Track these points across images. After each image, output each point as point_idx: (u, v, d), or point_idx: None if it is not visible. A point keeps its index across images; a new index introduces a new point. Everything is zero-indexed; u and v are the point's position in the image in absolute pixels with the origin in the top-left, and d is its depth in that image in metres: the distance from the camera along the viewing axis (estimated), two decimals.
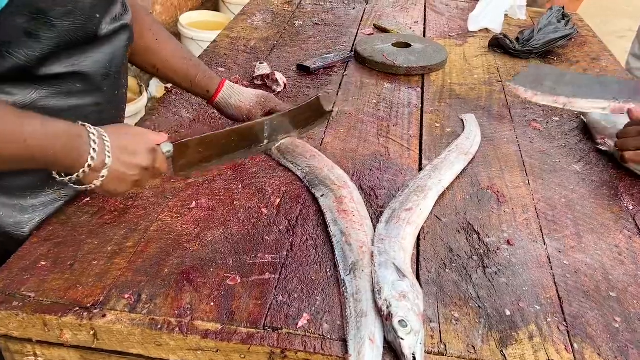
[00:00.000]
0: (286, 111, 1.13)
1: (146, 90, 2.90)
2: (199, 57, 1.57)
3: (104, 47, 0.90)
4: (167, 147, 0.89)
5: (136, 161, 0.83)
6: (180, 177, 1.03)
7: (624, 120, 1.16)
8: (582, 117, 1.32)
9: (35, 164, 0.76)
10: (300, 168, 1.08)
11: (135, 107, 2.63)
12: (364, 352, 0.71)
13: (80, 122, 0.79)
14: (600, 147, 1.19)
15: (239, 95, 1.16)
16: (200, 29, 3.42)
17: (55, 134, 0.75)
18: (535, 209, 1.02)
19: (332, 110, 1.27)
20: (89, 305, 0.77)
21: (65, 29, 0.82)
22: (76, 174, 0.78)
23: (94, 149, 0.78)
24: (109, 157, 0.79)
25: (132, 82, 2.95)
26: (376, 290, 0.77)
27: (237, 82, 1.39)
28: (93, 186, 0.81)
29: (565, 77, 1.43)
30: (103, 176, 0.80)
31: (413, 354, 0.69)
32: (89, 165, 0.78)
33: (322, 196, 1.00)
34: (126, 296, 0.78)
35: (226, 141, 1.03)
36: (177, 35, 3.56)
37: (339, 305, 0.79)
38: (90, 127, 0.79)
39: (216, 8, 4.07)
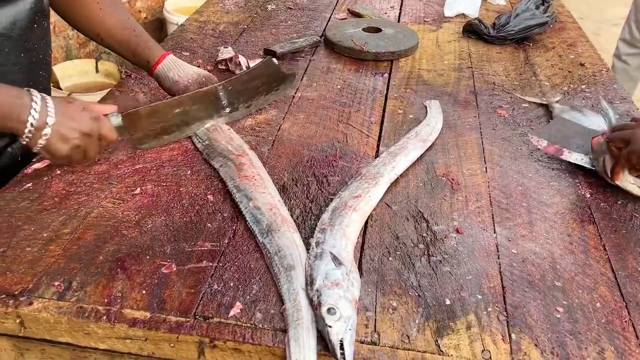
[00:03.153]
0: (236, 75, 1.10)
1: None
2: (164, 40, 1.55)
3: (4, 9, 0.93)
4: (116, 118, 0.93)
5: (77, 125, 0.88)
6: (142, 150, 1.03)
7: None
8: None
9: None
10: (200, 140, 1.08)
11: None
12: (299, 300, 0.73)
13: (26, 89, 0.87)
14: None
15: (179, 69, 1.15)
16: (186, 14, 3.37)
17: None
18: (490, 196, 1.00)
19: (295, 74, 1.23)
20: (16, 292, 0.75)
21: None
22: (25, 133, 0.85)
23: (34, 108, 0.85)
24: (50, 116, 0.86)
25: (112, 67, 2.92)
26: (308, 282, 0.75)
27: (199, 66, 1.37)
28: (40, 145, 0.87)
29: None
30: (46, 134, 0.86)
31: (341, 341, 0.67)
32: (31, 124, 0.85)
33: (220, 166, 1.00)
34: (56, 284, 0.76)
35: (180, 109, 1.01)
36: (163, 21, 3.52)
37: (275, 294, 0.77)
38: (34, 92, 0.87)
39: None
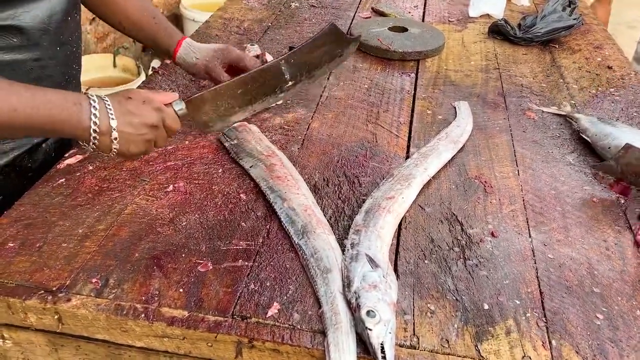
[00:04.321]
0: (300, 46, 1.06)
1: (144, 71, 2.87)
2: (190, 36, 1.54)
3: (41, 2, 0.92)
4: (179, 105, 0.90)
5: (142, 120, 0.84)
6: (209, 133, 1.02)
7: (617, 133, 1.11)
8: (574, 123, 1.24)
9: (34, 132, 0.83)
10: (228, 139, 1.08)
11: (131, 87, 2.60)
12: (337, 303, 0.72)
13: (84, 91, 0.86)
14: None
15: (195, 52, 1.14)
16: (203, 10, 3.37)
17: (47, 101, 0.78)
18: (523, 200, 0.98)
19: (359, 36, 1.17)
20: (54, 288, 0.75)
21: None
22: (91, 140, 0.81)
23: (94, 114, 0.80)
24: (112, 119, 0.82)
25: (130, 62, 2.93)
26: (345, 284, 0.75)
27: None
28: (115, 150, 0.83)
29: None
30: (116, 138, 0.82)
31: (381, 344, 0.67)
32: (95, 130, 0.80)
33: (251, 167, 0.99)
34: (93, 280, 0.76)
35: (243, 89, 0.98)
36: (179, 17, 3.52)
37: (312, 295, 0.76)
38: (91, 94, 0.82)
39: None
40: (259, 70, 1.01)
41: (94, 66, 2.87)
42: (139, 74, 2.78)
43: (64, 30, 0.99)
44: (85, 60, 2.86)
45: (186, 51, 1.14)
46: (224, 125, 0.99)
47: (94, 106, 0.81)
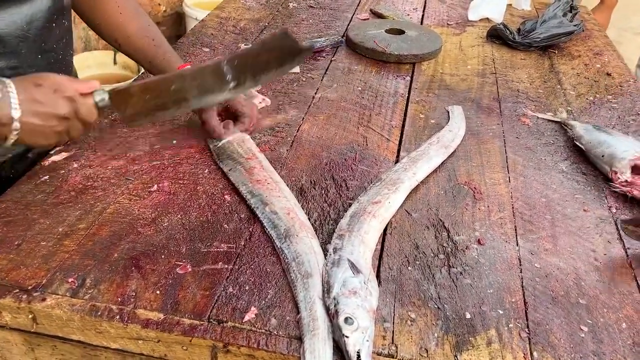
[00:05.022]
0: (246, 49, 1.00)
1: None
2: (185, 35, 1.53)
3: (21, 8, 0.87)
4: (100, 96, 0.84)
5: (51, 110, 0.79)
6: (133, 127, 0.96)
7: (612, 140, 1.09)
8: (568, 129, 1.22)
9: None
10: (212, 140, 1.06)
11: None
12: (315, 309, 0.71)
13: None
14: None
15: None
16: (206, 9, 3.37)
17: None
18: (513, 207, 0.97)
19: (310, 47, 1.12)
20: (29, 287, 0.74)
21: None
22: None
23: None
24: (14, 108, 0.76)
25: (130, 59, 2.92)
26: (325, 289, 0.74)
27: None
28: (12, 140, 0.78)
29: None
30: (16, 129, 0.77)
31: (358, 352, 0.66)
32: None
33: (230, 170, 0.97)
34: (70, 280, 0.75)
35: (177, 86, 0.92)
36: (182, 15, 3.51)
37: (291, 300, 0.75)
38: None
39: None
40: (197, 69, 0.96)
41: (95, 63, 2.88)
42: (139, 71, 2.77)
43: (47, 38, 0.94)
44: (86, 56, 2.87)
45: None
46: (151, 120, 0.94)
47: None
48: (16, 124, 0.76)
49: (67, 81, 0.82)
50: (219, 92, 0.95)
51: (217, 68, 0.94)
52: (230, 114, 1.09)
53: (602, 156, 1.07)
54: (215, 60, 0.96)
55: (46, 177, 0.94)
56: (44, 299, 0.72)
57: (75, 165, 0.98)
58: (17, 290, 0.73)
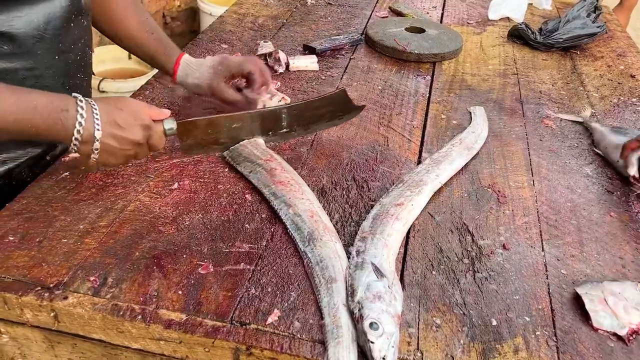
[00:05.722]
0: (307, 101, 1.08)
1: None
2: (202, 32, 1.52)
3: (37, 7, 0.85)
4: (170, 124, 0.89)
5: (128, 136, 0.83)
6: (187, 155, 1.00)
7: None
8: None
9: (16, 136, 0.79)
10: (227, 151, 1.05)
11: (145, 80, 2.59)
12: (339, 316, 0.70)
13: (74, 94, 0.80)
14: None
15: (194, 72, 1.08)
16: (220, 4, 3.36)
17: (33, 107, 0.76)
18: (537, 212, 0.95)
19: (364, 106, 1.17)
20: (51, 285, 0.73)
21: None
22: (71, 147, 0.80)
23: (80, 122, 0.78)
24: (97, 129, 0.80)
25: None
26: (348, 293, 0.72)
27: None
28: (94, 159, 0.82)
29: None
30: (97, 149, 0.81)
31: (383, 358, 0.64)
32: (77, 139, 0.79)
33: (250, 172, 0.96)
34: (91, 278, 0.75)
35: (239, 124, 0.99)
36: (196, 10, 3.51)
37: (314, 303, 0.74)
38: (81, 100, 0.79)
39: None
40: (259, 112, 1.02)
41: (110, 57, 2.87)
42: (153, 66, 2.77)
43: (64, 38, 0.92)
44: (101, 51, 2.87)
45: (185, 72, 1.09)
46: (204, 152, 1.00)
47: (80, 114, 0.78)
48: (97, 144, 0.81)
49: (145, 108, 0.86)
50: (272, 135, 1.04)
51: (277, 115, 1.03)
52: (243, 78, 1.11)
53: (617, 161, 1.06)
54: (276, 107, 1.04)
55: (66, 174, 0.93)
56: (65, 297, 0.72)
57: None
58: (39, 288, 0.73)
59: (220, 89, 1.07)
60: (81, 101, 0.79)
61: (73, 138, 0.79)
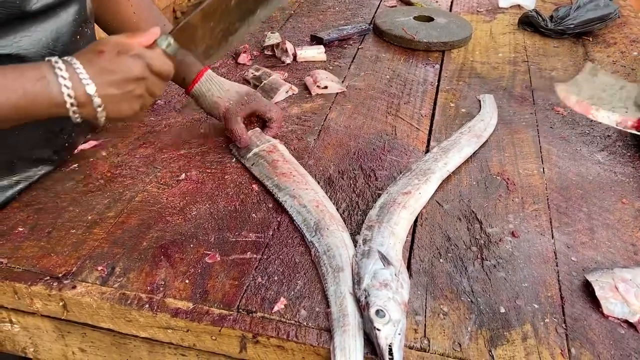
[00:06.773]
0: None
1: None
2: None
3: (45, 24, 0.80)
4: (165, 41, 0.77)
5: (124, 75, 0.73)
6: (212, 64, 0.88)
7: None
8: None
9: (11, 123, 0.72)
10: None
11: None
12: (346, 304, 0.69)
13: (47, 58, 0.72)
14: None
15: (219, 88, 1.00)
16: None
17: (2, 86, 0.68)
18: (547, 199, 0.94)
19: None
20: (60, 275, 0.74)
21: None
22: (72, 115, 0.72)
23: (65, 85, 0.70)
24: (88, 84, 0.71)
25: None
26: (355, 281, 0.72)
27: (245, 52, 1.34)
28: (103, 118, 0.74)
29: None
30: (99, 105, 0.72)
31: (389, 345, 0.64)
32: (72, 104, 0.71)
33: (253, 165, 0.95)
34: (99, 268, 0.75)
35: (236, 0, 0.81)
36: None
37: (320, 291, 0.74)
38: (56, 61, 0.71)
39: None
40: None
41: None
42: None
43: (72, 52, 0.84)
44: None
45: (208, 86, 1.00)
46: (226, 49, 0.85)
47: (61, 76, 0.70)
48: (96, 100, 0.72)
49: (127, 38, 0.75)
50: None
51: None
52: (255, 120, 1.06)
53: None
54: None
55: (75, 166, 0.94)
56: (74, 287, 0.73)
57: (104, 154, 0.98)
58: (48, 278, 0.74)
59: (234, 118, 0.99)
60: (57, 62, 0.71)
61: (67, 105, 0.70)
